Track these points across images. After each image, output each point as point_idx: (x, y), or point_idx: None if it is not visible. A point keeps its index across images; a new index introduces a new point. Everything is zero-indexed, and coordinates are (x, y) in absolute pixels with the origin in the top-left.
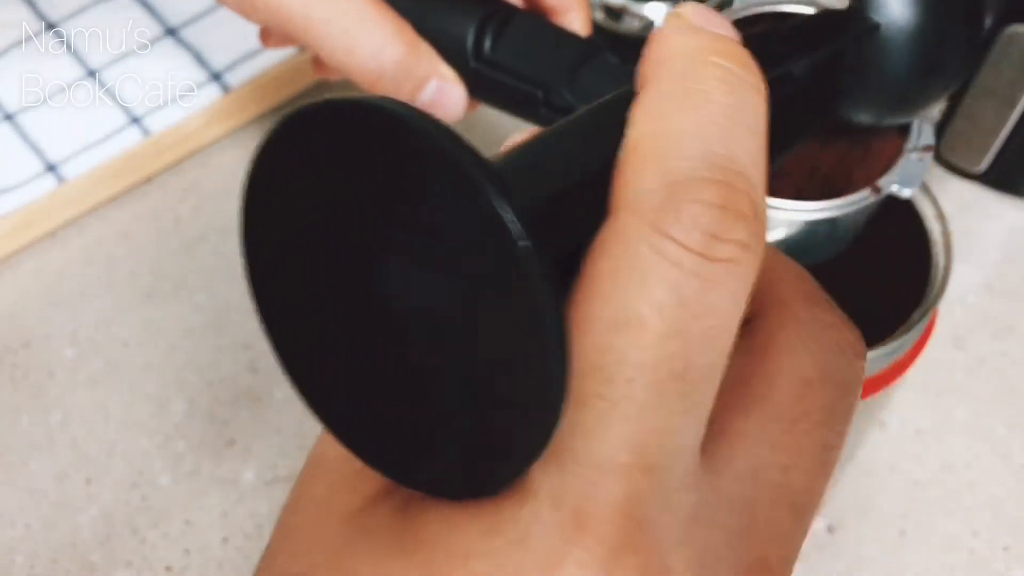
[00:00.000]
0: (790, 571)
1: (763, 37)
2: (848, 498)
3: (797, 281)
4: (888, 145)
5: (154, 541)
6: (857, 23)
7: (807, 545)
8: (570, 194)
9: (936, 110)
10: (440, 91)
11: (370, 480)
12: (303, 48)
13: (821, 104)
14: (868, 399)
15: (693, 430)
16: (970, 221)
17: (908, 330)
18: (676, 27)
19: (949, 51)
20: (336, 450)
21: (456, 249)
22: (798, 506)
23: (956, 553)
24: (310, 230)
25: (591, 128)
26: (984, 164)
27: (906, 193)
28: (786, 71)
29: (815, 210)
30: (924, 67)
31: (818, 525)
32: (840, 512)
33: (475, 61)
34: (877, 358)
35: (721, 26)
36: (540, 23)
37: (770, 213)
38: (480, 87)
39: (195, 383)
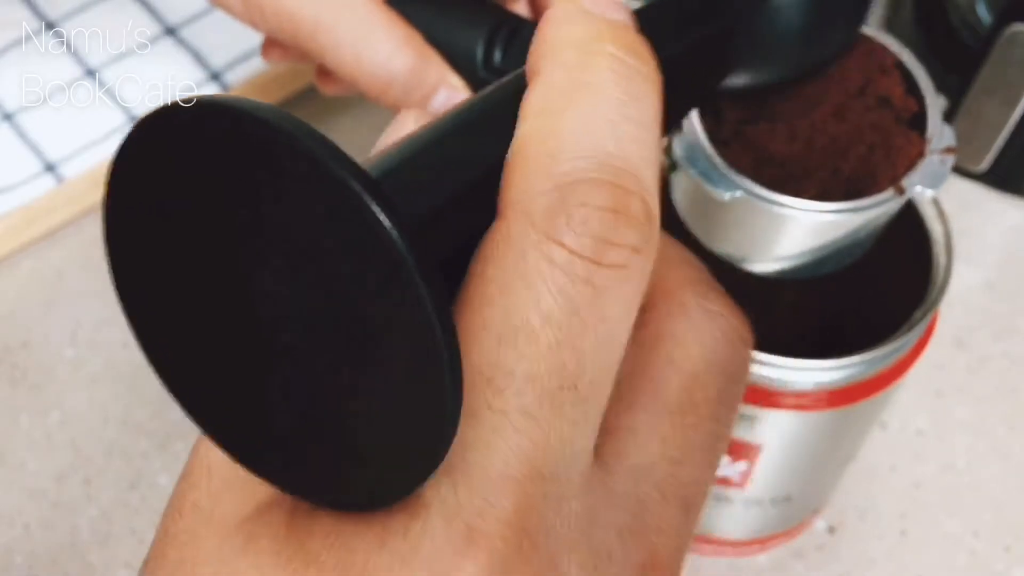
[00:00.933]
0: (680, 564)
1: (653, 15)
2: (848, 498)
3: (685, 268)
4: (910, 147)
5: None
6: None
7: (807, 545)
8: (457, 194)
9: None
10: (450, 100)
11: (254, 487)
12: (307, 61)
13: (709, 77)
14: (869, 399)
15: (586, 436)
16: (971, 221)
17: (909, 330)
18: (567, 12)
19: (840, 13)
20: (217, 454)
21: (334, 256)
22: (687, 499)
23: (957, 553)
24: (178, 232)
25: (479, 122)
26: (985, 164)
27: (929, 194)
28: (678, 50)
29: (840, 210)
30: (815, 33)
31: (818, 525)
32: (840, 512)
33: (485, 71)
34: (878, 358)
35: (615, 9)
36: None
37: (795, 214)
38: None
39: None
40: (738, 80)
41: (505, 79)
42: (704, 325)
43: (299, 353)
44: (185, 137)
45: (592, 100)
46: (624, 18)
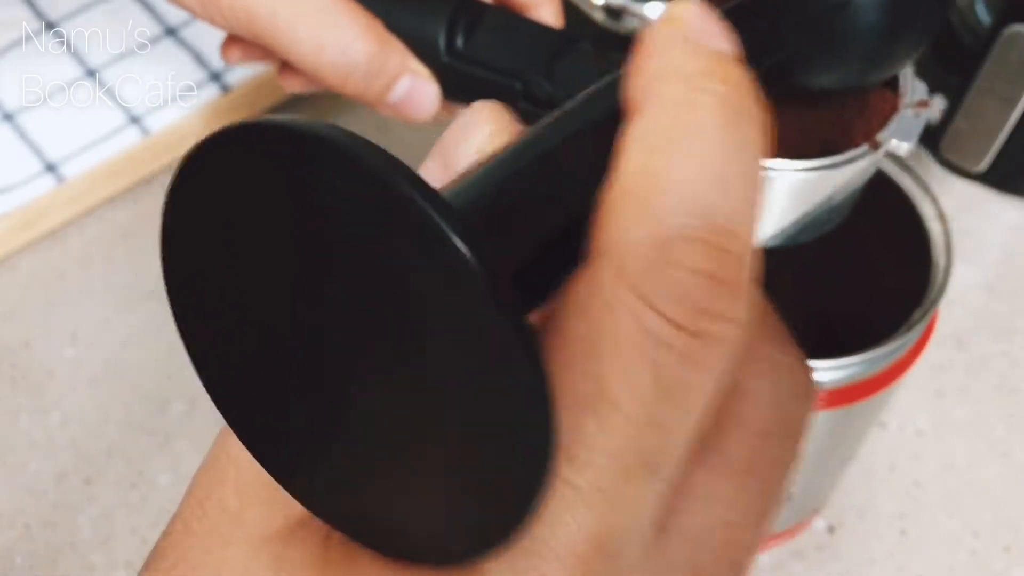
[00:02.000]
0: None
1: (748, 26)
2: (848, 498)
3: (756, 312)
4: (884, 104)
5: (154, 541)
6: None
7: (807, 545)
8: (544, 229)
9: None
10: (412, 88)
11: (286, 498)
12: (268, 60)
13: (779, 82)
14: (868, 399)
15: (655, 509)
16: (970, 221)
17: (908, 330)
18: (669, 39)
19: (922, 10)
20: (245, 454)
21: (413, 299)
22: (737, 562)
23: (956, 553)
24: (241, 256)
25: (569, 152)
26: (984, 164)
27: (904, 148)
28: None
29: (816, 167)
30: (895, 31)
31: (818, 525)
32: (840, 512)
33: (448, 56)
34: (877, 358)
35: (720, 36)
36: (513, 17)
37: (770, 175)
38: (455, 84)
39: (195, 383)
40: (808, 82)
41: (591, 98)
42: (776, 379)
43: (364, 382)
44: (254, 152)
45: (699, 147)
46: (729, 48)
